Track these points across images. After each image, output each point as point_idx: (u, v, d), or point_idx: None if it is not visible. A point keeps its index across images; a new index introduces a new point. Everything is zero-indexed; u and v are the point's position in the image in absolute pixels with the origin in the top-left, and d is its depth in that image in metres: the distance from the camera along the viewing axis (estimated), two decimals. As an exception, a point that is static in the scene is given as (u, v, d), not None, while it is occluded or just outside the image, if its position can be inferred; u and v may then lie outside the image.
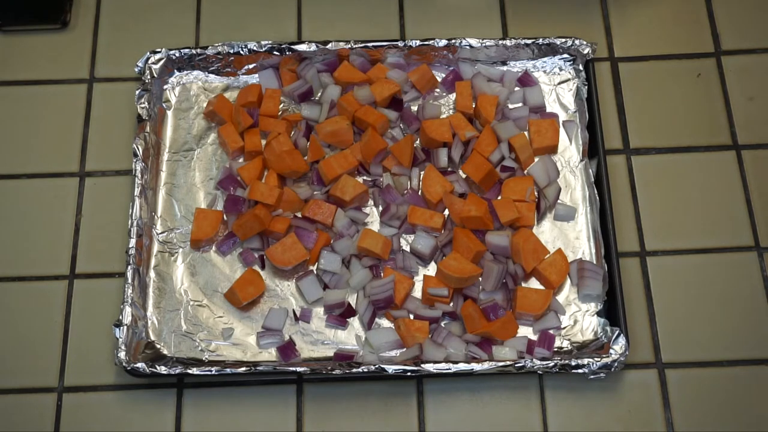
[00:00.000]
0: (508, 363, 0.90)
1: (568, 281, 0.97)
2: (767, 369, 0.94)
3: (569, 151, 1.03)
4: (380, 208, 1.01)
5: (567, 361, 0.90)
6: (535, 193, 1.01)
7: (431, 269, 0.98)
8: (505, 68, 1.07)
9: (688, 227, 1.00)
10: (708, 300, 0.97)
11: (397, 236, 0.99)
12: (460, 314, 0.94)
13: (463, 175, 1.01)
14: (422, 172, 1.01)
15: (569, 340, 0.95)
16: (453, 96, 1.06)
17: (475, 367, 0.90)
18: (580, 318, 0.95)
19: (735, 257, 0.99)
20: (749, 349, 0.95)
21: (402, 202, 1.00)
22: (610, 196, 0.99)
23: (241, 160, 1.04)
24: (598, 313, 0.95)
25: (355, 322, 0.96)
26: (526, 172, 1.02)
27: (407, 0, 1.12)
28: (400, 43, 1.05)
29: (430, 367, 0.90)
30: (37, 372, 0.95)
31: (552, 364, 0.90)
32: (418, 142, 1.04)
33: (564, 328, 0.95)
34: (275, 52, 1.06)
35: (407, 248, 0.99)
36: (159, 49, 1.05)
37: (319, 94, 1.07)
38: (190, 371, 0.91)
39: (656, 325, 0.96)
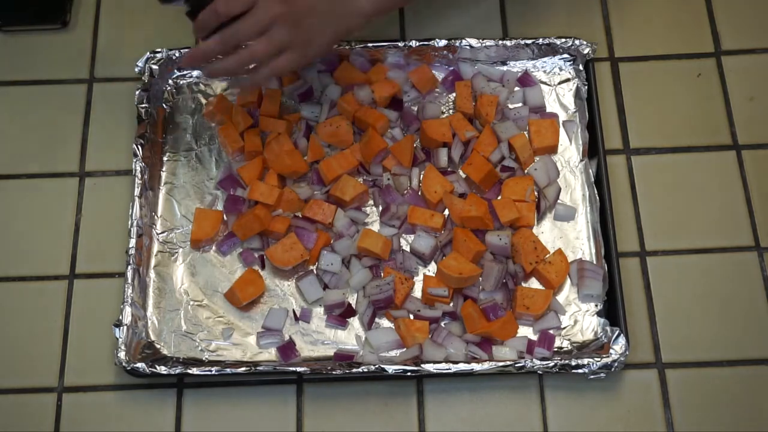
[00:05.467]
0: (508, 363, 0.90)
1: (568, 281, 0.97)
2: (767, 369, 0.94)
3: (569, 151, 1.03)
4: (380, 208, 1.01)
5: (567, 361, 0.90)
6: (535, 193, 1.01)
7: (431, 269, 0.98)
8: (505, 68, 1.07)
9: (688, 227, 1.00)
10: (708, 300, 0.97)
11: (397, 236, 0.99)
12: (460, 314, 0.94)
13: (463, 175, 1.01)
14: (422, 172, 1.01)
15: (569, 340, 0.95)
16: (453, 96, 1.06)
17: (475, 367, 0.90)
18: (580, 318, 0.95)
19: (735, 257, 0.99)
20: (749, 349, 0.95)
21: (402, 202, 1.00)
22: (610, 196, 0.99)
23: (241, 160, 1.04)
24: (598, 313, 0.95)
25: (355, 322, 0.96)
26: (526, 172, 1.02)
27: (407, 0, 1.12)
28: (400, 43, 1.05)
29: (430, 367, 0.90)
30: (37, 372, 0.95)
31: (552, 364, 0.90)
32: (418, 142, 1.04)
33: (564, 328, 0.95)
34: (275, 52, 1.06)
35: (407, 248, 0.99)
36: (159, 49, 1.05)
37: (319, 94, 1.07)
38: (190, 371, 0.91)
39: (656, 325, 0.96)
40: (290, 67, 0.91)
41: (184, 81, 1.08)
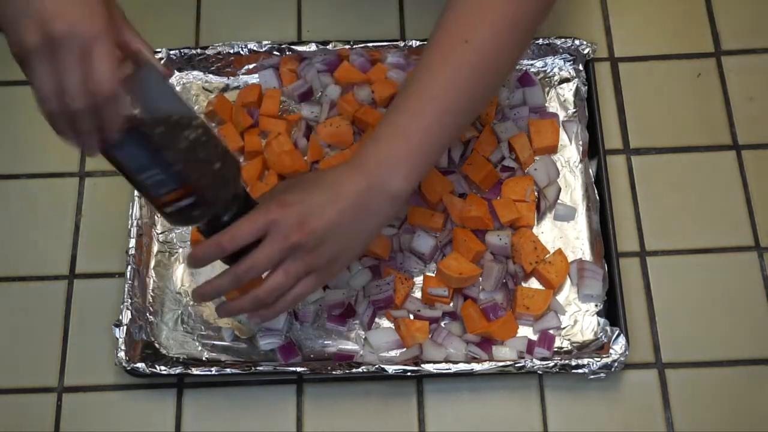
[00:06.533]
0: (508, 363, 0.90)
1: (568, 281, 0.97)
2: (767, 369, 0.94)
3: (569, 151, 1.03)
4: (380, 208, 1.00)
5: (567, 361, 0.90)
6: (535, 193, 1.01)
7: (431, 269, 0.98)
8: (505, 68, 1.07)
9: (688, 227, 1.00)
10: (708, 300, 0.97)
11: (397, 236, 0.99)
12: (460, 314, 0.94)
13: (463, 175, 1.01)
14: (422, 172, 1.01)
15: (569, 340, 0.94)
16: (453, 96, 1.06)
17: (475, 367, 0.90)
18: (580, 318, 0.95)
19: (735, 257, 0.99)
20: (749, 349, 0.95)
21: (402, 202, 1.00)
22: (610, 196, 0.99)
23: (241, 160, 1.04)
24: (598, 313, 0.95)
25: (355, 322, 0.96)
26: (526, 172, 1.02)
27: (407, 0, 1.12)
28: (400, 43, 1.05)
29: (430, 367, 0.90)
30: (37, 372, 0.95)
31: (552, 364, 0.90)
32: (418, 142, 1.03)
33: (564, 328, 0.95)
34: (275, 52, 1.06)
35: (407, 248, 0.99)
36: (159, 49, 1.05)
37: (319, 94, 1.07)
38: (190, 371, 0.91)
39: (656, 325, 0.96)
40: (312, 292, 0.80)
41: (184, 81, 1.08)
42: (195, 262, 0.78)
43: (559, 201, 1.01)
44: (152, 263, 0.99)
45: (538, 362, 0.90)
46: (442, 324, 0.95)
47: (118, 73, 0.66)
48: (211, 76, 1.08)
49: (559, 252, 0.97)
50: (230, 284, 0.78)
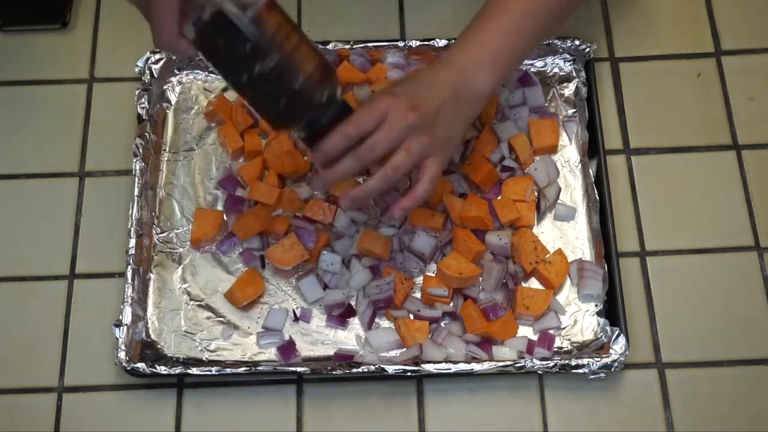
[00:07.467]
0: (508, 363, 0.90)
1: (568, 281, 0.97)
2: (767, 369, 0.94)
3: (569, 151, 1.03)
4: (380, 209, 1.01)
5: (567, 361, 0.90)
6: (535, 193, 1.01)
7: (431, 269, 0.98)
8: (505, 68, 1.07)
9: (688, 227, 1.00)
10: (708, 300, 0.97)
11: (397, 236, 0.99)
12: (460, 314, 0.95)
13: (463, 175, 1.01)
14: (422, 172, 1.01)
15: (569, 340, 0.95)
16: (453, 96, 1.06)
17: (475, 367, 0.90)
18: (580, 318, 0.95)
19: (735, 257, 0.99)
20: (749, 349, 0.95)
21: (402, 202, 1.00)
22: (610, 196, 0.99)
23: (241, 160, 1.04)
24: (598, 313, 0.95)
25: (355, 322, 0.96)
26: (526, 172, 1.02)
27: (407, 0, 1.12)
28: (400, 43, 1.05)
29: (430, 367, 0.90)
30: (37, 372, 0.95)
31: (552, 364, 0.90)
32: (418, 142, 1.03)
33: (564, 328, 0.95)
34: (275, 52, 1.06)
35: (407, 248, 0.99)
36: (159, 49, 1.05)
37: (319, 94, 1.07)
38: (190, 371, 0.91)
39: (656, 325, 0.96)
40: (439, 175, 0.86)
41: (184, 81, 1.08)
42: (324, 155, 0.83)
43: (559, 201, 1.01)
44: (152, 263, 0.99)
45: (538, 362, 0.90)
46: (442, 324, 0.95)
47: (174, 25, 0.77)
48: (211, 76, 1.08)
49: (559, 252, 0.97)
50: (353, 164, 0.83)
